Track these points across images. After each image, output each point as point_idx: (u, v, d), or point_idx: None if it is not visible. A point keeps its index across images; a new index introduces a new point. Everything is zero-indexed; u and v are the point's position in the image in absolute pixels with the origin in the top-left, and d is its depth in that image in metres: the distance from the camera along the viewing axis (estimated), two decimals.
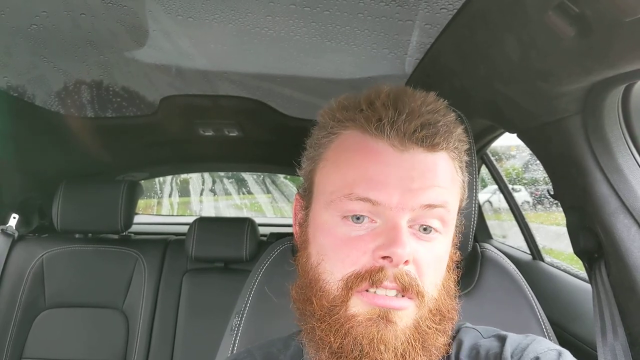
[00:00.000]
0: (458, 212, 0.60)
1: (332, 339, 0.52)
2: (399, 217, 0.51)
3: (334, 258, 0.54)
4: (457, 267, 0.61)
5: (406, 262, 0.51)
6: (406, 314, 0.52)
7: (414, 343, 0.52)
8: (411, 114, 0.53)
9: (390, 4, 0.84)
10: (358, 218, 0.53)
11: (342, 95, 0.60)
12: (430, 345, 0.53)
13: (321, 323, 0.53)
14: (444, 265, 0.57)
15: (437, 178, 0.54)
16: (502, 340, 0.60)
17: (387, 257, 0.50)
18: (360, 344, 0.51)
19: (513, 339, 0.60)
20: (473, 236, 0.86)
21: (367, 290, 0.52)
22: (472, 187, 0.79)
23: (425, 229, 0.54)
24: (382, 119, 0.53)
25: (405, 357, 0.51)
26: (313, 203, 0.59)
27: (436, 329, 0.54)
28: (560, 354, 0.56)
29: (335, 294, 0.53)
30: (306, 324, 0.57)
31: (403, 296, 0.52)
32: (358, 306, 0.52)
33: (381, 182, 0.52)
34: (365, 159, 0.53)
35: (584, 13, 0.55)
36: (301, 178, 0.64)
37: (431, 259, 0.54)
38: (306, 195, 0.61)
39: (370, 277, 0.51)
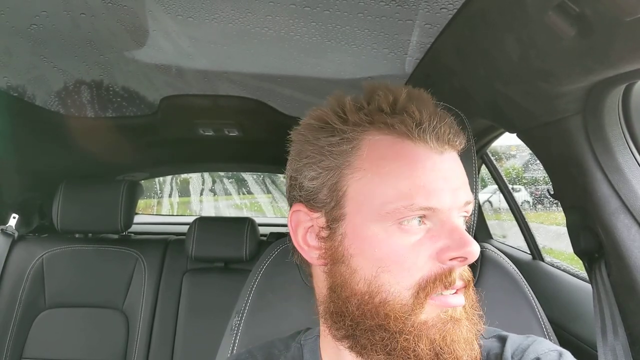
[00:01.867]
0: None
1: (419, 345, 0.52)
2: (454, 217, 0.54)
3: (397, 268, 0.53)
4: None
5: None
6: (462, 308, 0.55)
7: (473, 332, 0.54)
8: (441, 117, 0.55)
9: (390, 3, 0.84)
10: (420, 221, 0.53)
11: (341, 96, 0.59)
12: (478, 329, 0.55)
13: (402, 334, 0.52)
14: None
15: (464, 175, 0.57)
16: (502, 340, 0.60)
17: (458, 257, 0.52)
18: (439, 346, 0.52)
19: (514, 340, 0.60)
20: (473, 236, 0.86)
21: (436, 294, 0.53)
22: (472, 187, 0.79)
23: (463, 218, 0.57)
24: (422, 122, 0.53)
25: (472, 348, 0.53)
26: (349, 215, 0.56)
27: (478, 314, 0.56)
28: (561, 355, 0.56)
29: (406, 302, 0.52)
30: (369, 337, 0.54)
31: (457, 292, 0.54)
32: (428, 312, 0.53)
33: (434, 189, 0.53)
34: (414, 167, 0.53)
35: (584, 13, 0.55)
36: (301, 186, 0.60)
37: None
38: (328, 208, 0.57)
39: (444, 280, 0.52)
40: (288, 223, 0.63)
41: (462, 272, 0.54)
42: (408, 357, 0.52)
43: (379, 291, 0.53)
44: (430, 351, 0.52)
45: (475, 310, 0.56)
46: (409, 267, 0.52)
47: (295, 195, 0.61)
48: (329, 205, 0.57)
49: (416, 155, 0.53)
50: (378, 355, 0.54)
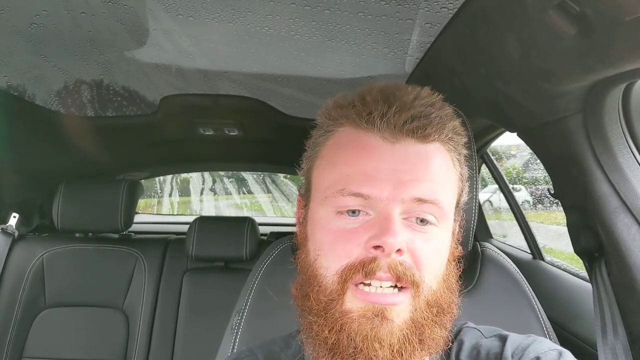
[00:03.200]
0: (457, 206, 0.60)
1: (328, 334, 0.52)
2: (390, 208, 0.52)
3: (330, 252, 0.54)
4: (459, 263, 0.61)
5: (399, 251, 0.51)
6: (402, 308, 0.52)
7: (410, 337, 0.52)
8: (402, 106, 0.53)
9: (390, 2, 0.84)
10: (354, 212, 0.53)
11: (338, 94, 0.61)
12: (426, 337, 0.53)
13: (318, 318, 0.54)
14: (442, 258, 0.56)
15: (429, 170, 0.54)
16: (503, 340, 0.60)
17: (379, 246, 0.50)
18: (354, 341, 0.51)
19: (514, 339, 0.60)
20: (473, 235, 0.86)
21: (361, 285, 0.52)
22: (472, 186, 0.79)
23: (421, 221, 0.54)
24: (372, 112, 0.53)
25: (402, 354, 0.51)
26: (311, 201, 0.60)
27: (433, 320, 0.54)
28: (560, 354, 0.56)
29: (331, 288, 0.53)
30: (304, 319, 0.57)
31: (399, 289, 0.52)
32: (352, 302, 0.52)
33: (373, 177, 0.52)
34: (357, 154, 0.54)
35: (585, 12, 0.55)
36: (302, 178, 0.64)
37: (428, 250, 0.54)
38: (305, 194, 0.62)
39: (363, 268, 0.51)
40: (296, 213, 0.67)
41: (392, 266, 0.51)
42: (321, 345, 0.53)
43: (315, 274, 0.55)
44: (342, 342, 0.51)
45: (435, 317, 0.54)
46: (338, 253, 0.53)
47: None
48: (305, 192, 0.62)
49: (364, 144, 0.54)
50: (307, 341, 0.56)
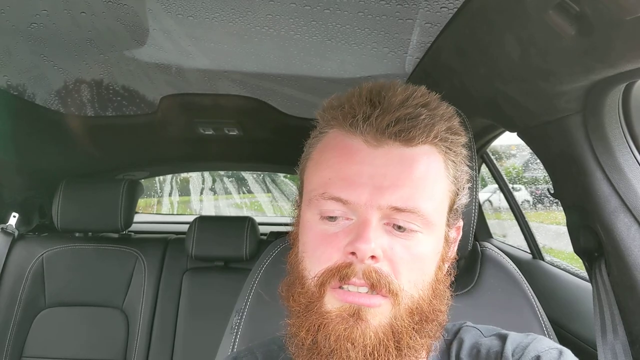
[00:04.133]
0: (452, 209, 0.58)
1: (305, 335, 0.52)
2: (368, 213, 0.51)
3: (312, 256, 0.54)
4: (455, 268, 0.60)
5: (373, 257, 0.50)
6: (380, 311, 0.51)
7: (386, 342, 0.51)
8: (387, 108, 0.52)
9: (390, 2, 0.84)
10: (331, 218, 0.53)
11: (333, 95, 0.60)
12: (404, 345, 0.52)
13: (296, 319, 0.54)
14: (427, 265, 0.54)
15: (411, 176, 0.52)
16: (502, 339, 0.60)
17: (354, 252, 0.50)
18: (329, 341, 0.51)
19: (514, 338, 0.60)
20: (473, 235, 0.86)
21: (340, 287, 0.52)
22: (472, 186, 0.79)
23: (399, 227, 0.52)
24: (357, 114, 0.53)
25: (375, 356, 0.50)
26: (302, 203, 0.60)
27: (413, 328, 0.53)
28: (561, 353, 0.56)
29: (311, 291, 0.53)
30: (289, 321, 0.57)
31: (377, 294, 0.51)
32: (331, 303, 0.52)
33: (352, 181, 0.52)
34: (339, 158, 0.54)
35: (585, 12, 0.55)
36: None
37: (408, 257, 0.52)
38: (300, 195, 0.62)
39: (338, 273, 0.51)
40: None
41: (366, 272, 0.50)
42: (297, 345, 0.54)
43: (300, 276, 0.55)
44: (319, 342, 0.51)
45: (416, 325, 0.53)
46: (318, 256, 0.53)
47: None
48: (300, 194, 0.62)
49: (347, 147, 0.54)
50: (289, 342, 0.56)
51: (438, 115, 0.54)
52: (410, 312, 0.52)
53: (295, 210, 0.63)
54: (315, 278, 0.53)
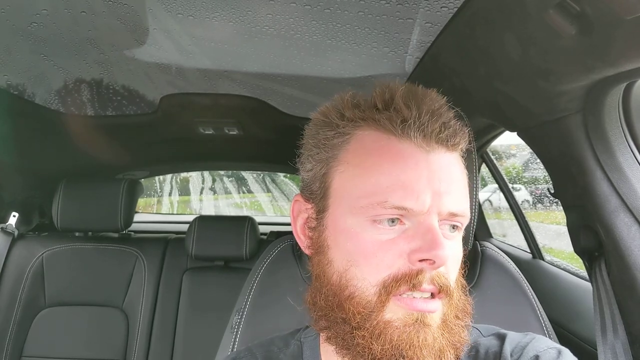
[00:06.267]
0: None
1: (375, 345, 0.51)
2: (431, 219, 0.51)
3: (365, 264, 0.52)
4: (464, 263, 0.61)
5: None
6: (437, 315, 0.52)
7: (445, 342, 0.52)
8: (432, 113, 0.53)
9: (390, 2, 0.84)
10: (393, 221, 0.52)
11: (347, 93, 0.59)
12: (456, 340, 0.53)
13: (360, 330, 0.52)
14: (460, 263, 0.57)
15: (459, 180, 0.54)
16: (501, 338, 0.60)
17: (427, 260, 0.50)
18: (400, 349, 0.50)
19: (512, 338, 0.60)
20: (473, 234, 0.86)
21: (402, 295, 0.51)
22: (472, 186, 0.79)
23: (453, 227, 0.54)
24: (407, 119, 0.52)
25: (442, 357, 0.51)
26: (331, 207, 0.57)
27: (459, 325, 0.54)
28: (560, 352, 0.56)
29: (370, 299, 0.52)
30: (335, 329, 0.55)
31: (433, 297, 0.52)
32: (394, 311, 0.51)
33: (413, 189, 0.51)
34: (394, 164, 0.52)
35: (585, 11, 0.55)
36: (302, 178, 0.63)
37: (455, 257, 0.54)
38: (317, 199, 0.59)
39: (410, 281, 0.50)
40: (290, 213, 0.65)
41: (435, 277, 0.51)
42: (363, 355, 0.52)
43: (348, 285, 0.54)
44: (387, 352, 0.50)
45: (459, 320, 0.54)
46: (376, 264, 0.52)
47: (300, 186, 0.64)
48: (318, 197, 0.59)
49: (399, 152, 0.52)
50: (341, 349, 0.55)
51: (457, 120, 0.56)
52: (456, 309, 0.54)
53: (314, 216, 0.60)
54: (376, 287, 0.52)
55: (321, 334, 0.62)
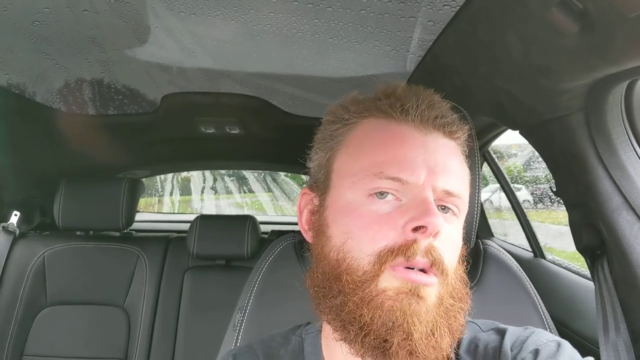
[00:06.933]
0: None
1: (365, 311, 0.52)
2: (427, 192, 0.53)
3: (361, 235, 0.54)
4: (465, 261, 0.61)
5: (436, 233, 0.52)
6: (432, 290, 0.53)
7: (440, 320, 0.53)
8: (431, 103, 0.57)
9: (392, 0, 0.84)
10: (382, 194, 0.54)
11: (351, 93, 0.63)
12: (452, 322, 0.54)
13: (352, 296, 0.53)
14: (458, 250, 0.58)
15: (456, 165, 0.57)
16: (501, 333, 0.61)
17: (421, 227, 0.51)
18: (392, 317, 0.51)
19: (512, 332, 0.60)
20: (475, 233, 0.86)
21: (397, 266, 0.52)
22: (474, 184, 0.79)
23: (443, 209, 0.56)
24: (406, 104, 0.56)
25: (434, 333, 0.52)
26: (332, 188, 0.60)
27: (457, 307, 0.55)
28: (559, 345, 0.57)
29: (366, 269, 0.53)
30: (330, 302, 0.56)
31: (431, 273, 0.53)
32: (389, 281, 0.52)
33: (410, 163, 0.53)
34: (393, 141, 0.55)
35: (587, 9, 0.55)
36: (304, 176, 0.65)
37: (450, 240, 0.55)
38: (320, 185, 0.62)
39: (405, 252, 0.51)
40: (297, 207, 0.67)
41: (429, 249, 0.52)
42: (353, 323, 0.53)
43: (345, 257, 0.55)
44: (378, 319, 0.51)
45: (456, 302, 0.55)
46: (373, 236, 0.53)
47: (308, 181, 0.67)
48: (320, 181, 0.62)
49: (397, 132, 0.56)
50: (335, 322, 0.56)
51: (448, 112, 0.59)
52: (451, 294, 0.55)
53: (314, 200, 0.63)
54: (372, 257, 0.53)
55: (322, 326, 0.64)
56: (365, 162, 0.56)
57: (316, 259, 0.60)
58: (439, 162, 0.54)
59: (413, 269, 0.52)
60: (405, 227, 0.52)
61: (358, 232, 0.54)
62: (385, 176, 0.53)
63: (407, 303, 0.51)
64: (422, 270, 0.52)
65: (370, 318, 0.52)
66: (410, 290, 0.52)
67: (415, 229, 0.51)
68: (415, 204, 0.53)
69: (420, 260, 0.52)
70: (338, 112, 0.62)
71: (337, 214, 0.58)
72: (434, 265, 0.52)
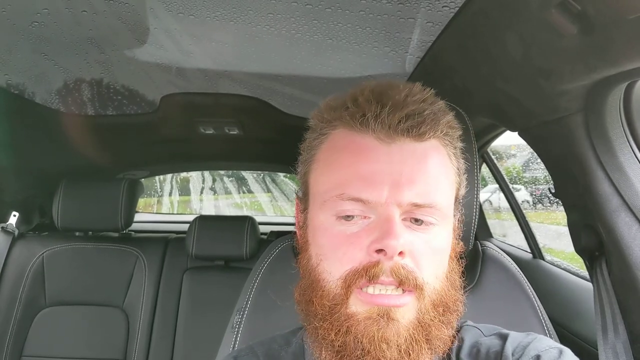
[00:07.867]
0: (457, 201, 0.60)
1: (334, 337, 0.52)
2: (390, 210, 0.51)
3: (332, 257, 0.54)
4: (461, 259, 0.61)
5: (401, 253, 0.50)
6: (408, 309, 0.52)
7: (417, 337, 0.51)
8: (395, 105, 0.52)
9: (392, 1, 0.84)
10: (348, 217, 0.53)
11: (330, 96, 0.60)
12: (434, 337, 0.53)
13: (323, 322, 0.53)
14: (444, 257, 0.56)
15: (426, 170, 0.53)
16: (503, 338, 0.60)
17: (382, 250, 0.50)
18: (361, 343, 0.50)
19: (514, 337, 0.60)
20: (474, 234, 0.86)
21: (365, 289, 0.51)
22: (473, 185, 0.79)
23: (417, 221, 0.53)
24: (366, 113, 0.53)
25: (410, 353, 0.51)
26: (310, 205, 0.59)
27: (440, 320, 0.54)
28: (561, 352, 0.56)
29: (335, 293, 0.53)
30: (309, 324, 0.56)
31: (403, 291, 0.51)
32: (357, 305, 0.52)
33: (371, 180, 0.51)
34: (354, 157, 0.53)
35: (586, 11, 0.55)
36: (299, 181, 0.64)
37: (428, 250, 0.53)
38: (304, 198, 0.61)
39: (366, 273, 0.50)
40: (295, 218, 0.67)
41: (395, 269, 0.50)
42: (327, 348, 0.53)
43: (319, 279, 0.55)
44: (348, 345, 0.51)
45: (439, 315, 0.54)
46: (340, 258, 0.52)
47: None
48: (302, 195, 0.62)
49: (360, 146, 0.53)
50: (314, 344, 0.56)
51: (439, 110, 0.55)
52: (434, 305, 0.53)
53: (301, 214, 0.62)
54: (339, 280, 0.52)
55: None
56: (331, 181, 0.54)
57: (302, 274, 0.60)
58: (404, 174, 0.52)
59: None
60: (369, 248, 0.51)
61: (329, 253, 0.54)
62: (347, 197, 0.52)
63: (375, 329, 0.50)
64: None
65: (341, 344, 0.51)
66: (379, 314, 0.51)
67: (378, 251, 0.50)
68: (379, 222, 0.51)
69: (386, 280, 0.50)
70: (316, 119, 0.60)
71: (314, 233, 0.57)
72: (403, 284, 0.50)
